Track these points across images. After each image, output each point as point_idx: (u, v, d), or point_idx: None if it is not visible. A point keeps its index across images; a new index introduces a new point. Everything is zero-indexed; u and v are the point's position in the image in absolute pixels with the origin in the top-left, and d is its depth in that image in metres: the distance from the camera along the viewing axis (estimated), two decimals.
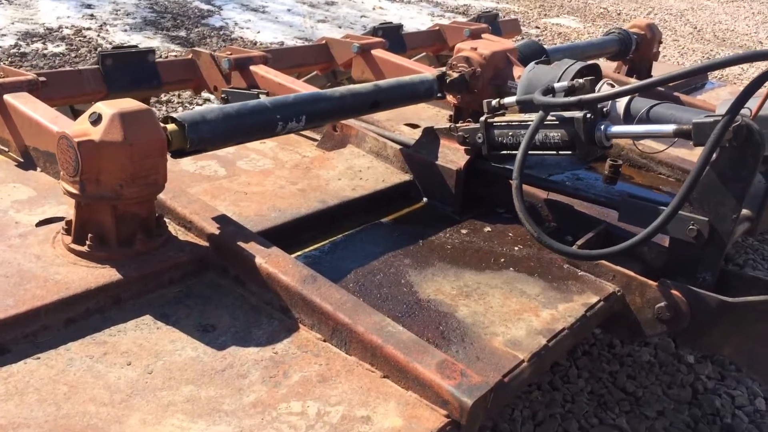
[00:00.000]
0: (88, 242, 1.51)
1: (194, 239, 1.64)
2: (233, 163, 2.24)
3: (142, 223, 1.55)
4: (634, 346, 2.63)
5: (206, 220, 1.64)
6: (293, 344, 1.43)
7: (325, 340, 1.45)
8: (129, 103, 1.52)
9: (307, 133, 2.63)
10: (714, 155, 1.65)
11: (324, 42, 3.44)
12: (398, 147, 2.31)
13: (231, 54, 2.84)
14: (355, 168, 2.24)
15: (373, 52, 3.28)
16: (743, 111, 1.70)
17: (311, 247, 1.85)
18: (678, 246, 1.78)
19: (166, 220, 1.68)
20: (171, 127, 1.62)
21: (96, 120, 1.46)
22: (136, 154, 1.47)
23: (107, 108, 1.47)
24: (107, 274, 1.46)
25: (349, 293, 1.52)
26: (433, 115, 3.03)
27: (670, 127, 1.75)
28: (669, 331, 1.76)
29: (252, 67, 2.78)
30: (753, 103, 1.77)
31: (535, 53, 3.07)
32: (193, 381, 1.30)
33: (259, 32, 6.67)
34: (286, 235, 1.81)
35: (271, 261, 1.53)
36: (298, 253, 1.81)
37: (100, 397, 1.22)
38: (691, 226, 1.71)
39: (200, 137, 1.65)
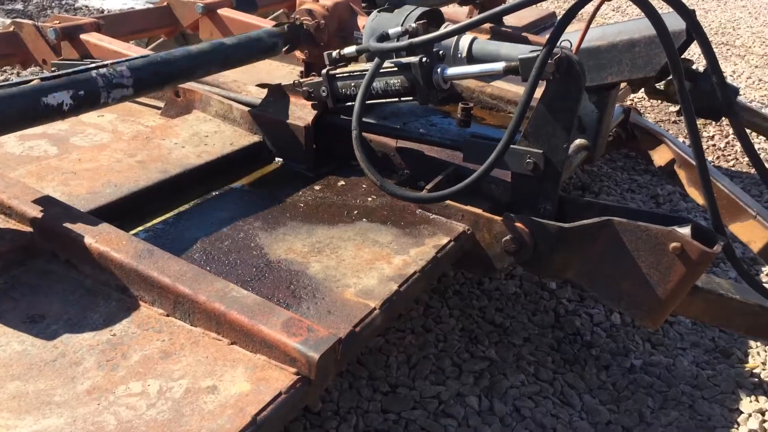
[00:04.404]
0: None
1: (16, 225, 1.52)
2: (66, 140, 2.09)
3: None
4: (501, 280, 2.75)
5: (27, 203, 1.52)
6: (133, 323, 1.37)
7: (167, 315, 1.40)
8: None
9: (150, 101, 2.49)
10: (541, 89, 1.72)
11: (166, 3, 3.26)
12: (245, 108, 2.24)
13: (58, 23, 2.63)
14: (201, 133, 2.15)
15: (220, 11, 3.15)
16: (565, 44, 1.77)
17: (154, 221, 1.77)
18: (519, 180, 1.84)
19: None
20: None
21: None
22: None
23: None
24: None
25: (192, 263, 1.48)
26: (286, 73, 2.96)
27: (500, 65, 1.79)
28: (517, 262, 1.84)
29: (83, 36, 2.59)
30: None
31: None
32: (20, 376, 1.21)
33: None
34: (125, 211, 1.72)
35: (102, 239, 1.45)
36: (139, 228, 1.73)
37: None
38: (528, 160, 1.78)
39: None
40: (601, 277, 1.76)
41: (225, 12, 3.16)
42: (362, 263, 1.67)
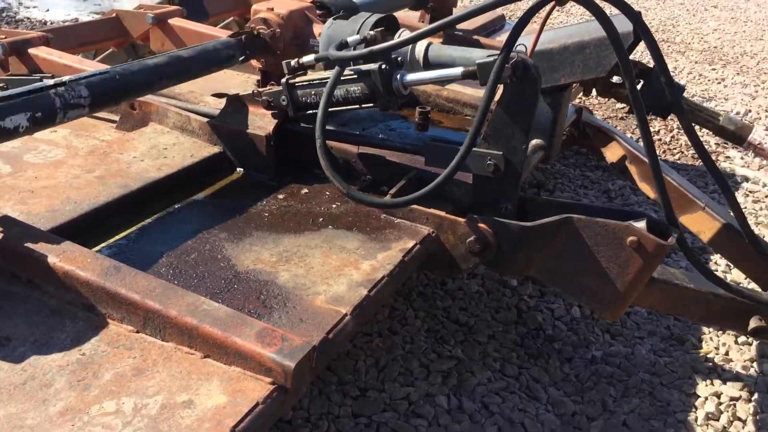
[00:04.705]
0: None
1: None
2: (19, 157, 2.04)
3: None
4: (464, 280, 2.79)
5: None
6: (102, 342, 1.35)
7: (137, 332, 1.39)
8: None
9: (104, 115, 2.45)
10: (499, 92, 1.76)
11: (114, 15, 3.20)
12: (204, 119, 2.22)
13: (4, 38, 2.56)
14: (160, 146, 2.13)
15: (171, 21, 3.10)
16: (520, 48, 1.82)
17: (117, 237, 1.75)
18: (480, 181, 1.88)
19: None
20: None
21: None
22: None
23: None
24: None
25: (160, 278, 1.47)
26: (242, 82, 2.96)
27: (458, 70, 1.82)
28: (481, 262, 1.87)
29: (31, 50, 2.53)
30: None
31: (346, 6, 3.06)
32: None
33: (48, 10, 6.08)
34: (86, 228, 1.70)
35: (66, 258, 1.43)
36: (102, 244, 1.70)
37: None
38: (488, 162, 1.81)
39: None
40: (563, 272, 1.81)
41: (176, 22, 3.12)
42: (331, 270, 1.69)
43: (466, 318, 2.56)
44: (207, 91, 2.62)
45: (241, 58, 2.47)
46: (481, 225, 1.83)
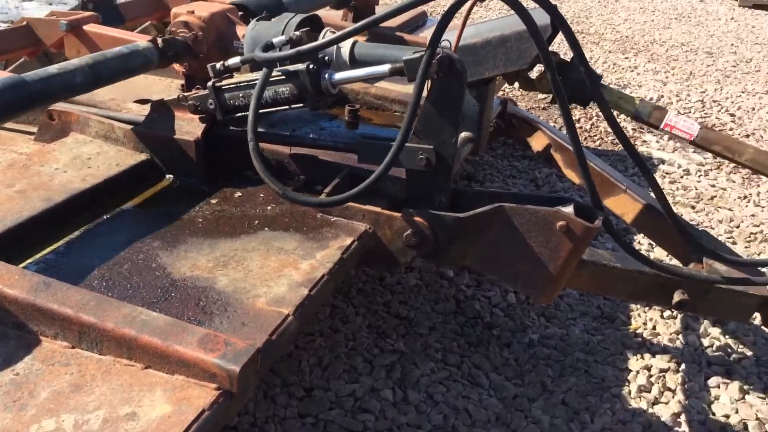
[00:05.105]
0: None
1: None
2: None
3: None
4: (402, 274, 2.83)
5: None
6: (36, 360, 1.31)
7: (73, 347, 1.35)
8: None
9: (21, 127, 2.35)
10: (427, 88, 1.79)
11: (25, 23, 3.06)
12: (128, 126, 2.16)
13: None
14: (83, 156, 2.06)
15: (86, 27, 2.99)
16: (445, 44, 1.86)
17: (44, 252, 1.68)
18: (413, 176, 1.91)
19: None
20: None
21: None
22: None
23: None
24: None
25: (94, 292, 1.43)
26: (165, 87, 2.89)
27: (385, 68, 1.84)
28: (419, 255, 1.90)
29: None
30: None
31: (268, 7, 3.03)
32: None
33: None
34: (11, 244, 1.63)
35: None
36: (29, 260, 1.64)
37: None
38: (420, 156, 1.85)
39: None
40: (498, 260, 1.86)
41: (91, 28, 3.01)
42: (270, 272, 1.68)
43: (407, 311, 2.59)
44: (129, 98, 2.55)
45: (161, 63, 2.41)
46: (417, 218, 1.86)
